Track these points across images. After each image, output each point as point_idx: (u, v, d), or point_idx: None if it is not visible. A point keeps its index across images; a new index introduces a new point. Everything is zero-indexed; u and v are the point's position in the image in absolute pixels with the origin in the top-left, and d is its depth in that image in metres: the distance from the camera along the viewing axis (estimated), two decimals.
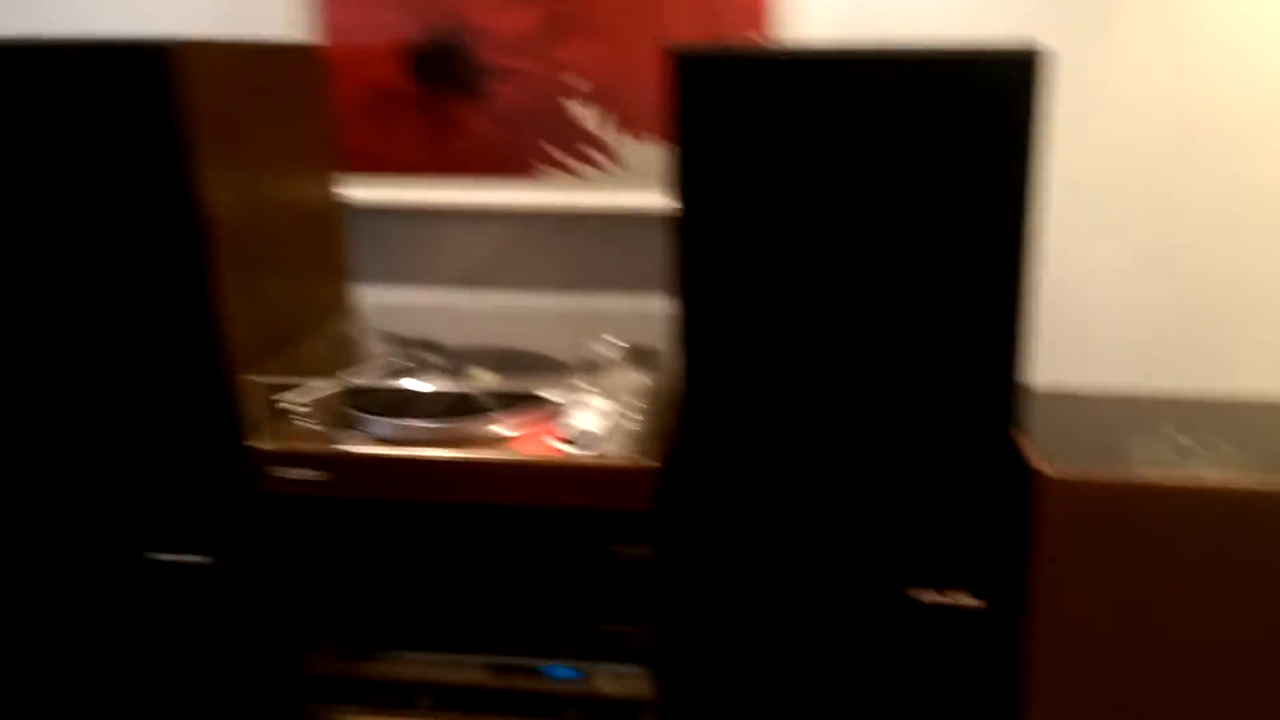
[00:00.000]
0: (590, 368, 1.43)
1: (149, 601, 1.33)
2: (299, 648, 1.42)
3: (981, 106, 0.99)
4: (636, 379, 1.40)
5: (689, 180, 1.07)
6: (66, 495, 1.30)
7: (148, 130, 1.13)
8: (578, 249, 1.69)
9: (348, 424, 1.31)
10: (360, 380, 1.38)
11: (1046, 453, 1.11)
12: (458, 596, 1.46)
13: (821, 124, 1.03)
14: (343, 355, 1.47)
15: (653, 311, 1.66)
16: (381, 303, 1.74)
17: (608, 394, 1.35)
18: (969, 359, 1.08)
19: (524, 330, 1.67)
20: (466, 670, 1.44)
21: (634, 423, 1.28)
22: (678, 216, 1.09)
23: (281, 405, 1.29)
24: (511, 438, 1.27)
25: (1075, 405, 1.30)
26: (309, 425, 1.30)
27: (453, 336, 1.57)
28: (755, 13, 1.49)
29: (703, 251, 1.10)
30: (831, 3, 1.49)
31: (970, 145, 1.01)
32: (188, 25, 1.64)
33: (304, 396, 1.30)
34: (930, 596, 1.16)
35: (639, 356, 1.49)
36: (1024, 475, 1.11)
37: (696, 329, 1.12)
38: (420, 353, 1.47)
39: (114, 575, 1.32)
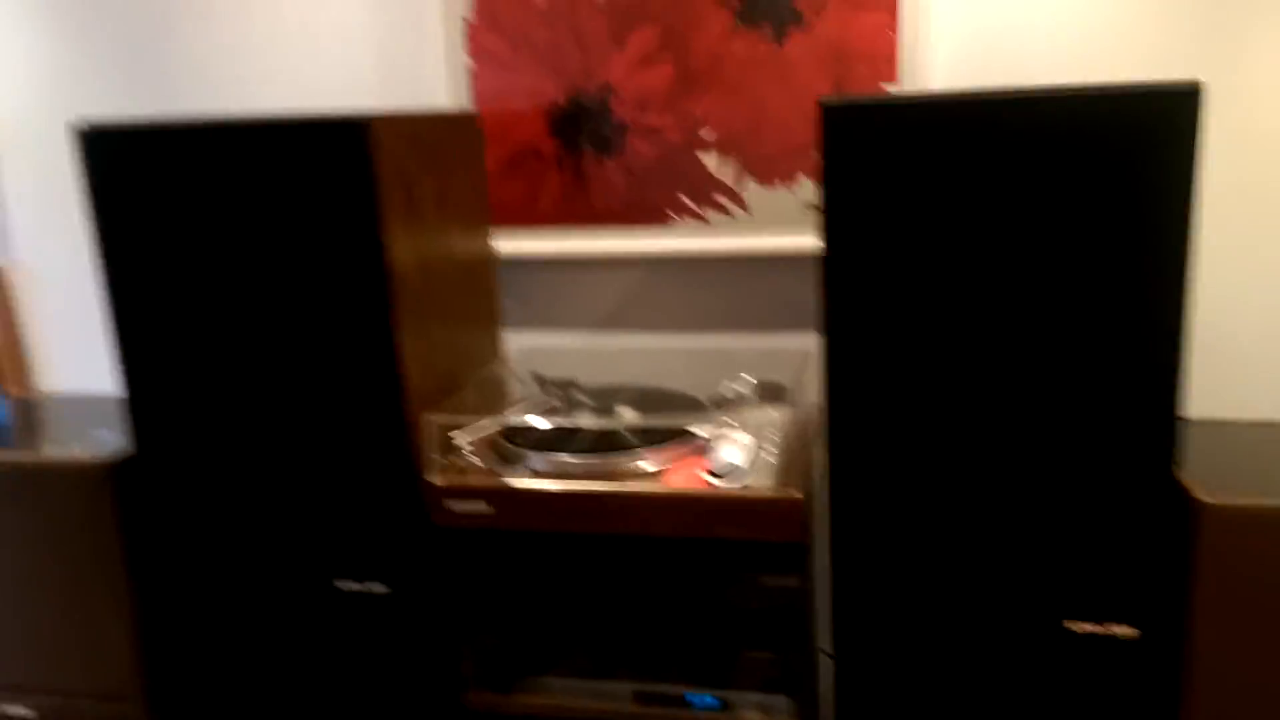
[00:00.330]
0: (726, 404, 1.50)
1: (333, 628, 1.45)
2: (463, 672, 1.52)
3: (1141, 142, 1.03)
4: (771, 414, 1.47)
5: (836, 223, 1.14)
6: (263, 526, 1.43)
7: (346, 194, 1.27)
8: (708, 291, 1.77)
9: (509, 460, 1.41)
10: (521, 419, 1.49)
11: (1204, 482, 1.13)
12: (609, 624, 1.54)
13: (973, 166, 1.09)
14: (499, 396, 1.58)
15: (781, 349, 1.73)
16: (526, 346, 1.85)
17: (747, 429, 1.42)
18: (1127, 391, 1.11)
19: (658, 369, 1.75)
20: (614, 699, 1.51)
21: (774, 457, 1.35)
22: (825, 257, 1.16)
23: (454, 442, 1.39)
24: (659, 472, 1.35)
25: (1231, 435, 1.31)
26: (476, 461, 1.41)
27: (593, 377, 1.67)
28: (884, 64, 1.56)
29: (851, 290, 1.16)
30: (957, 54, 1.55)
31: (1128, 181, 1.05)
32: (350, 95, 1.80)
33: (471, 435, 1.41)
34: (1087, 627, 1.18)
35: (770, 393, 1.55)
36: (1182, 505, 1.13)
37: (845, 365, 1.18)
38: (567, 392, 1.57)
39: (304, 602, 1.45)
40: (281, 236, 1.31)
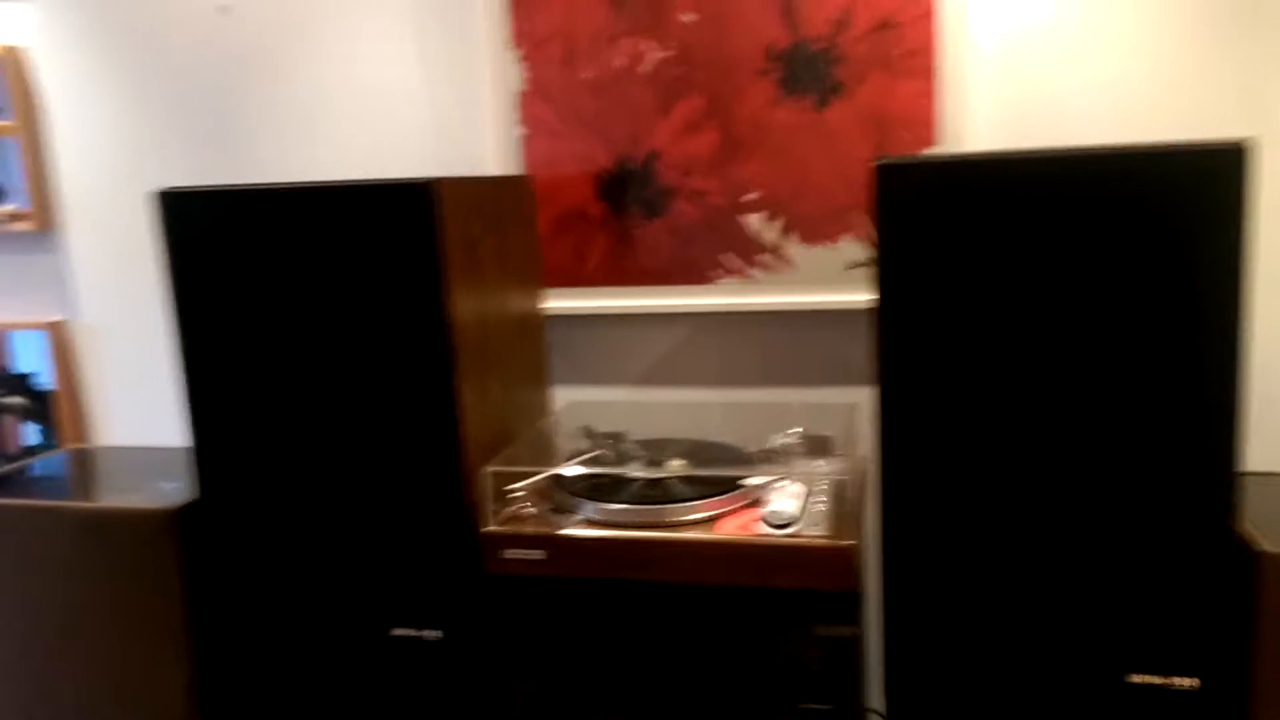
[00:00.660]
0: (775, 456, 1.54)
1: (387, 674, 1.47)
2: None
3: (1189, 200, 1.07)
4: (820, 466, 1.51)
5: (890, 278, 1.19)
6: (320, 574, 1.47)
7: (411, 253, 1.34)
8: (750, 347, 1.82)
9: (562, 509, 1.44)
10: (574, 468, 1.52)
11: (1264, 532, 1.15)
12: (655, 675, 1.55)
13: (1021, 222, 1.13)
14: (549, 449, 1.62)
15: (824, 402, 1.76)
16: (572, 400, 1.90)
17: (797, 480, 1.45)
18: (1183, 444, 1.13)
19: (702, 423, 1.79)
20: None
21: (824, 507, 1.38)
22: (879, 311, 1.20)
23: (510, 494, 1.43)
24: (711, 521, 1.38)
25: None
26: (529, 510, 1.44)
27: (638, 431, 1.70)
28: (923, 128, 1.63)
29: (904, 344, 1.20)
30: (996, 117, 1.62)
31: (1178, 237, 1.09)
32: (406, 161, 1.88)
33: (525, 484, 1.45)
34: (1149, 680, 1.19)
35: (816, 445, 1.59)
36: (1242, 556, 1.15)
37: (899, 416, 1.21)
38: (617, 445, 1.61)
39: (358, 648, 1.47)
40: (348, 293, 1.38)
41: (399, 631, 1.46)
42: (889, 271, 1.19)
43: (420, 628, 1.45)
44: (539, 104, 1.80)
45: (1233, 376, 1.11)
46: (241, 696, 1.54)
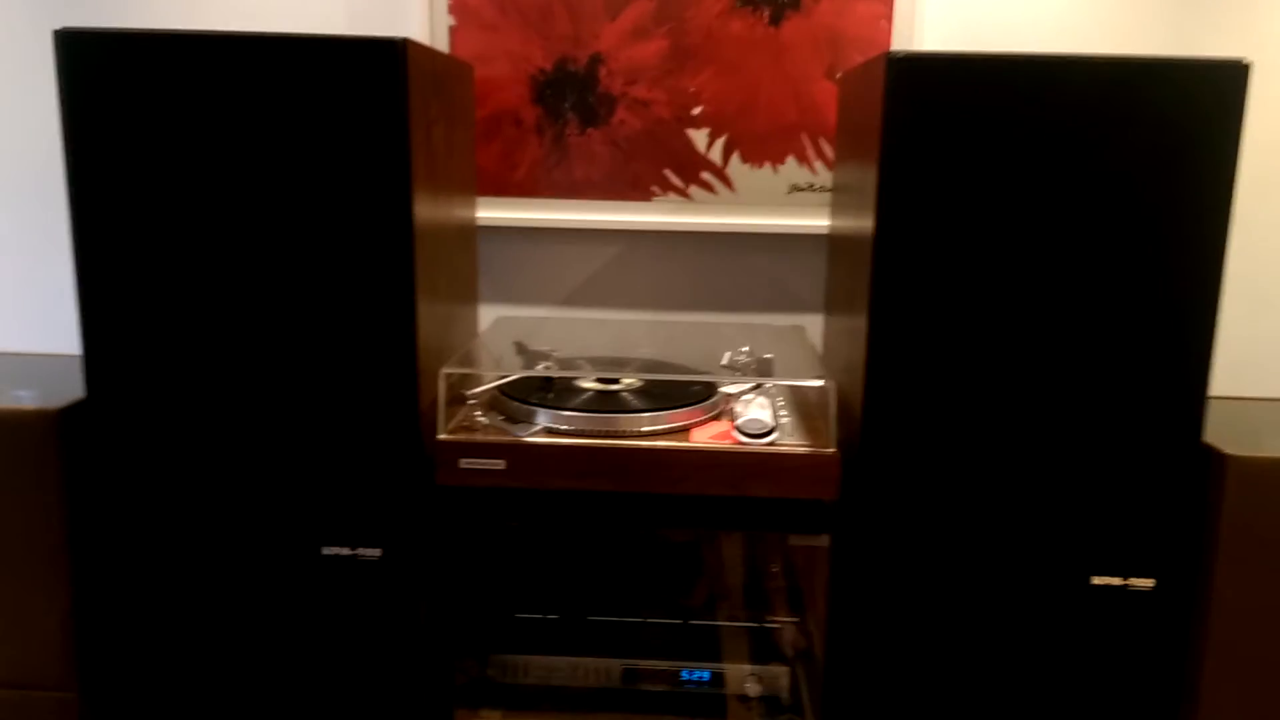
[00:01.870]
0: (733, 371, 1.50)
1: (313, 597, 1.32)
2: (456, 644, 1.43)
3: (1186, 116, 1.11)
4: (776, 383, 1.48)
5: (892, 192, 1.16)
6: (236, 487, 1.29)
7: (371, 128, 1.18)
8: (685, 268, 1.77)
9: (516, 418, 1.34)
10: (535, 372, 1.42)
11: (1226, 441, 1.22)
12: (623, 591, 1.49)
13: (1024, 130, 1.14)
14: (487, 365, 1.51)
15: (762, 325, 1.74)
16: (500, 317, 1.78)
17: (762, 394, 1.42)
18: (1161, 359, 1.18)
19: (635, 343, 1.72)
20: (603, 675, 1.47)
21: (787, 419, 1.35)
22: (877, 222, 1.18)
23: (468, 399, 1.32)
24: (680, 431, 1.32)
25: (1253, 410, 1.42)
26: (482, 420, 1.34)
27: (569, 349, 1.62)
28: (877, 50, 1.62)
29: (898, 258, 1.18)
30: (947, 46, 1.63)
31: (1171, 153, 1.12)
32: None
33: (486, 388, 1.34)
34: (1108, 581, 1.24)
35: (761, 365, 1.56)
36: (1208, 463, 1.21)
37: (886, 330, 1.20)
38: (569, 361, 1.52)
39: (279, 571, 1.32)
40: (286, 166, 1.21)
41: (330, 550, 1.31)
42: (891, 181, 1.16)
43: (356, 546, 1.31)
44: None
45: (1214, 293, 1.16)
46: (130, 627, 1.34)
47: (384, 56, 1.17)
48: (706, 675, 1.48)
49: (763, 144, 1.69)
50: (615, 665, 1.48)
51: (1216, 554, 1.22)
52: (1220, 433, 1.25)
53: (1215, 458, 1.22)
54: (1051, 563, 1.25)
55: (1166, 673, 1.28)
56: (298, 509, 1.29)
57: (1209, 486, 1.23)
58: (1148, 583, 1.25)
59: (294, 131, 1.19)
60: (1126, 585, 1.25)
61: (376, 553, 1.30)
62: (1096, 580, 1.26)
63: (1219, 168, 1.13)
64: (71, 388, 1.38)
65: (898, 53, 1.12)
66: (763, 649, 1.51)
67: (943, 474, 1.24)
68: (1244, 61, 1.09)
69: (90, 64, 1.18)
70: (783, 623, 1.56)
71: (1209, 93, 1.11)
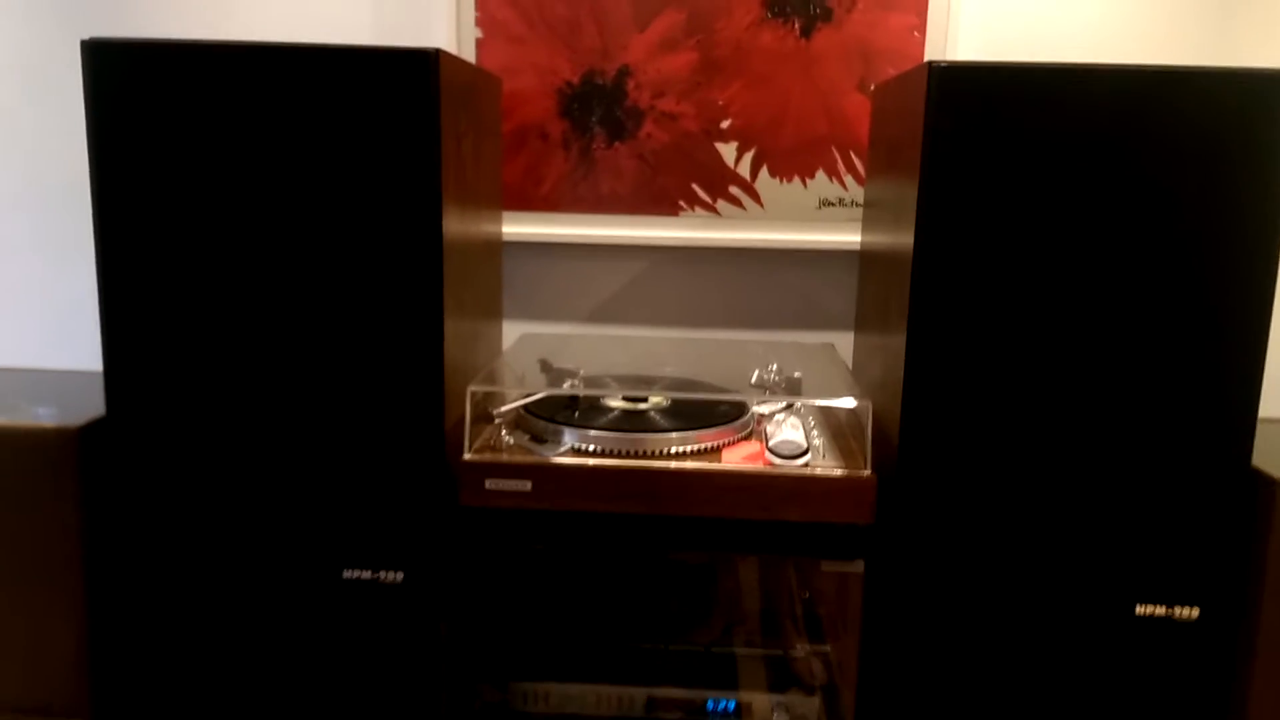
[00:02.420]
0: (764, 391, 1.46)
1: (334, 622, 1.29)
2: (474, 669, 1.39)
3: (1231, 127, 1.07)
4: (809, 404, 1.44)
5: (934, 203, 1.13)
6: (260, 508, 1.27)
7: (402, 140, 1.16)
8: (713, 285, 1.74)
9: (542, 438, 1.31)
10: (562, 390, 1.39)
11: (1276, 466, 1.17)
12: (626, 619, 1.46)
13: (1068, 143, 1.10)
14: (511, 382, 1.48)
15: (790, 343, 1.70)
16: (525, 334, 1.75)
17: (794, 414, 1.38)
18: (1208, 381, 1.14)
19: (662, 360, 1.69)
20: (626, 703, 1.43)
21: (819, 441, 1.32)
22: (918, 238, 1.14)
23: (497, 417, 1.29)
24: (711, 451, 1.28)
25: None
26: (508, 439, 1.31)
27: (595, 367, 1.59)
28: (910, 63, 1.59)
29: (938, 273, 1.14)
30: (978, 48, 1.60)
31: (1216, 165, 1.09)
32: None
33: (513, 406, 1.31)
34: (1152, 610, 1.19)
35: (790, 384, 1.52)
36: (1256, 489, 1.17)
37: (925, 348, 1.16)
38: (595, 380, 1.48)
39: (299, 595, 1.29)
40: (309, 178, 1.18)
41: (351, 573, 1.28)
42: (933, 193, 1.13)
43: (377, 569, 1.28)
44: (501, 4, 1.64)
45: (1266, 309, 1.12)
46: (146, 651, 1.31)
47: (416, 67, 1.14)
48: (732, 705, 1.44)
49: (792, 158, 1.66)
50: (639, 693, 1.44)
51: (1264, 582, 1.18)
52: (1269, 457, 1.21)
53: (1264, 482, 1.18)
54: (1093, 591, 1.21)
55: (1211, 706, 1.23)
56: (319, 530, 1.26)
57: (1257, 512, 1.19)
58: (1193, 612, 1.20)
59: (322, 144, 1.17)
60: (1171, 615, 1.21)
61: (398, 576, 1.27)
62: (1140, 610, 1.21)
63: (1266, 180, 1.09)
64: (92, 405, 1.35)
65: (940, 62, 1.09)
66: (781, 677, 1.47)
67: (981, 498, 1.20)
68: None
69: (118, 75, 1.17)
70: (808, 651, 1.52)
71: (1255, 103, 1.07)
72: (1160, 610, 1.21)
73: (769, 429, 1.32)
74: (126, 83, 1.17)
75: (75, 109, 1.69)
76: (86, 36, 1.17)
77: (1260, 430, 1.15)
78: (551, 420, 1.32)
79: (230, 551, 1.27)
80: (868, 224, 1.56)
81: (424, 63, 1.14)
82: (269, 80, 1.16)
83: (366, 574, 1.28)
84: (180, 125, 1.18)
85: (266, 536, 1.27)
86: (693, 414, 1.35)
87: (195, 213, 1.19)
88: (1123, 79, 1.08)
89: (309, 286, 1.21)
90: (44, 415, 1.38)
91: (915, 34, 1.59)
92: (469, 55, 1.64)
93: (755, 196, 1.68)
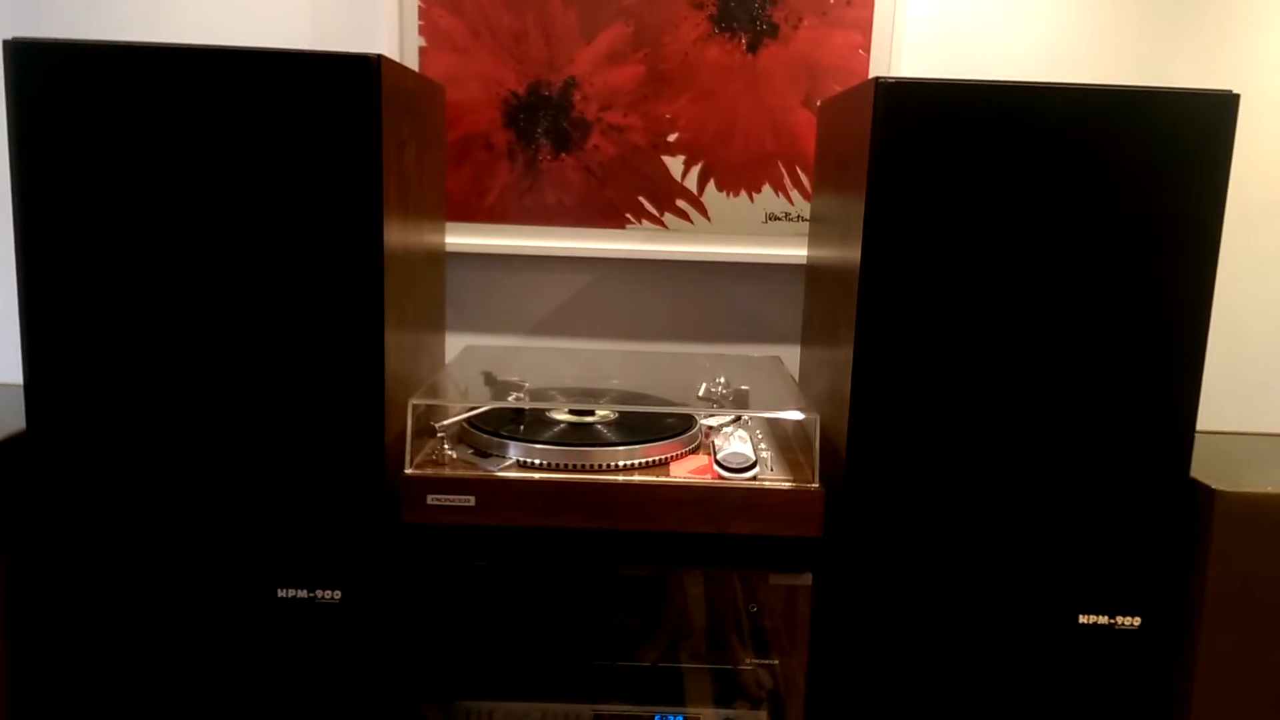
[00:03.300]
0: (711, 403, 1.46)
1: (267, 644, 1.25)
2: (414, 689, 1.36)
3: (1176, 147, 1.10)
4: (754, 416, 1.44)
5: (879, 219, 1.13)
6: (188, 527, 1.22)
7: (341, 147, 1.13)
8: (658, 297, 1.73)
9: (485, 451, 1.29)
10: (506, 404, 1.37)
11: (1213, 476, 1.19)
12: (571, 635, 1.43)
13: (1010, 159, 1.11)
14: (455, 397, 1.45)
15: (736, 355, 1.70)
16: (468, 345, 1.72)
17: (741, 427, 1.38)
18: (1146, 394, 1.16)
19: (608, 373, 1.67)
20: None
21: (767, 453, 1.31)
22: (865, 253, 1.14)
23: (439, 431, 1.27)
24: (657, 465, 1.27)
25: (1241, 445, 1.40)
26: (450, 453, 1.28)
27: (540, 380, 1.56)
28: (855, 80, 1.61)
29: (885, 288, 1.15)
30: (923, 67, 1.62)
31: (1160, 183, 1.11)
32: None
33: (454, 420, 1.28)
34: (1095, 619, 1.21)
35: (737, 397, 1.52)
36: (1195, 498, 1.19)
37: (871, 362, 1.16)
38: (540, 392, 1.46)
39: (235, 616, 1.24)
40: (245, 185, 1.15)
41: (287, 593, 1.24)
42: (878, 209, 1.13)
43: (314, 588, 1.24)
44: (444, 13, 1.62)
45: (1202, 325, 1.15)
46: (72, 677, 1.25)
47: (357, 73, 1.12)
48: (681, 719, 1.42)
49: (739, 172, 1.66)
50: (585, 710, 1.42)
51: (1204, 591, 1.20)
52: (1206, 467, 1.23)
53: (1202, 492, 1.20)
54: (1037, 601, 1.22)
55: (1153, 713, 1.25)
56: (252, 548, 1.22)
57: (1196, 522, 1.21)
58: (1134, 621, 1.22)
59: (260, 150, 1.13)
60: (1113, 624, 1.22)
61: (336, 595, 1.23)
62: (1084, 619, 1.22)
63: (1207, 199, 1.12)
64: (11, 419, 1.29)
65: (888, 78, 1.10)
66: (727, 690, 1.45)
67: (928, 510, 1.20)
68: (1233, 93, 1.08)
69: (44, 77, 1.12)
70: (755, 664, 1.51)
71: (1198, 124, 1.10)
72: (1103, 619, 1.22)
73: (717, 442, 1.31)
74: (52, 85, 1.12)
75: None
76: (8, 36, 1.12)
77: (1198, 442, 1.17)
78: (496, 434, 1.30)
79: (159, 570, 1.22)
80: (814, 238, 1.56)
81: (365, 68, 1.12)
82: (203, 84, 1.12)
83: (303, 593, 1.23)
84: (108, 130, 1.13)
85: (197, 555, 1.22)
86: (640, 427, 1.34)
87: (123, 220, 1.15)
88: (1069, 97, 1.10)
89: (243, 296, 1.17)
90: None
91: (860, 52, 1.61)
92: (412, 64, 1.62)
93: (702, 210, 1.68)
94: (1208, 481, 1.19)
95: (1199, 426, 1.17)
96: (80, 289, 1.16)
